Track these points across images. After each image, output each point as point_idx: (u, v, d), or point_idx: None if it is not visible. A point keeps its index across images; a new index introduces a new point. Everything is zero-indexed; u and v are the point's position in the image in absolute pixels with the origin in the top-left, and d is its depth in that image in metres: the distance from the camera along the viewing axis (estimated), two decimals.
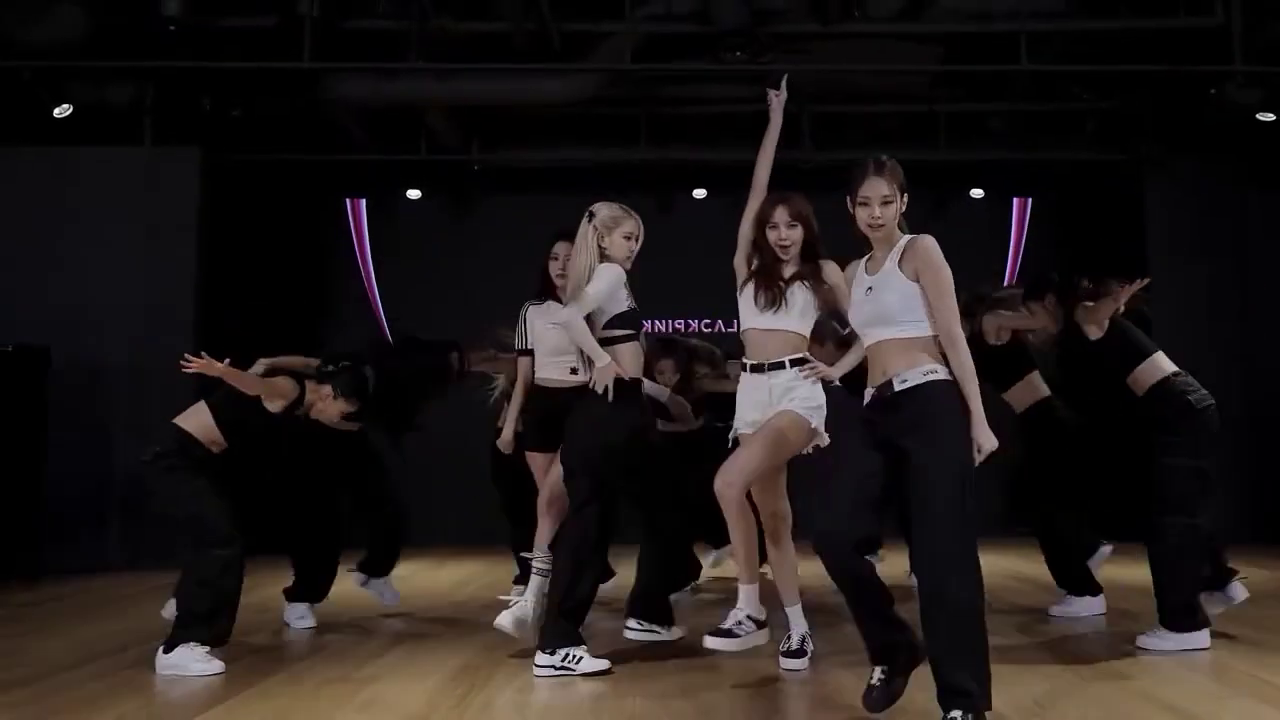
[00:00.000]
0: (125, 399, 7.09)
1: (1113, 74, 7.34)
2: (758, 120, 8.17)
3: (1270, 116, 7.07)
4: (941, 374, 2.89)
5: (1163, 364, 4.21)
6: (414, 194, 8.89)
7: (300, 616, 4.66)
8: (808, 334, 3.62)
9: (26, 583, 6.12)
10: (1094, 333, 4.26)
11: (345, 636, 4.45)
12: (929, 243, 2.94)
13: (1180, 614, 3.91)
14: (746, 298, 3.67)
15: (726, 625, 3.49)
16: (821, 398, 3.56)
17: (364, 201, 9.24)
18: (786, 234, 3.62)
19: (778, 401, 3.50)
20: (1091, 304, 4.22)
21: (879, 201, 2.95)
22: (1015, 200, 9.48)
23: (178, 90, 7.26)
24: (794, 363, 3.53)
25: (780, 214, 3.65)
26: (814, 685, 3.46)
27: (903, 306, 2.94)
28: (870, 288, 3.02)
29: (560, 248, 4.14)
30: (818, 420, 3.52)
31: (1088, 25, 6.98)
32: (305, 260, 8.96)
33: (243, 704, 3.23)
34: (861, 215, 2.99)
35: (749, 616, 3.50)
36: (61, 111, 6.71)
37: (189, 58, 6.70)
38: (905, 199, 3.01)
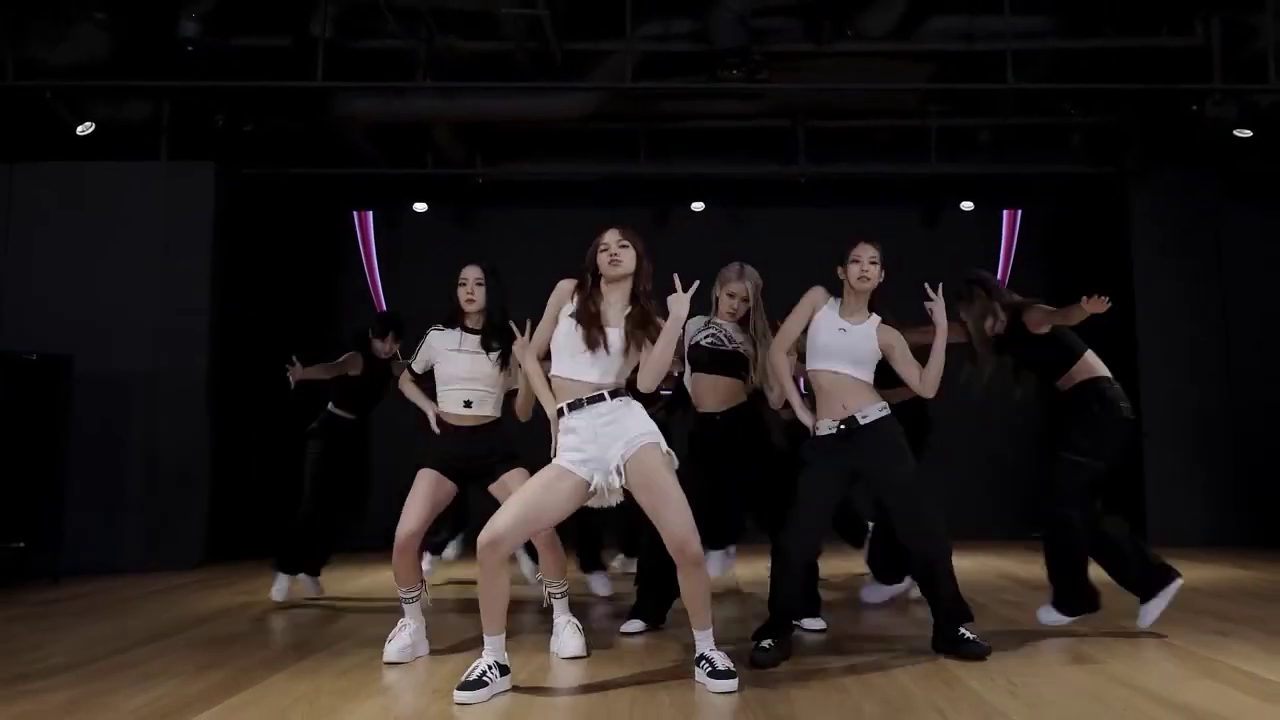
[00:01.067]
0: (142, 406, 7.32)
1: (1097, 91, 7.58)
2: (754, 135, 8.52)
3: (1248, 133, 7.31)
4: (886, 409, 3.88)
5: (1095, 364, 4.33)
6: (420, 207, 9.15)
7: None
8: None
9: (48, 583, 6.34)
10: (1039, 329, 4.32)
11: (365, 621, 4.65)
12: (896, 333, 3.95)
13: (1068, 597, 4.24)
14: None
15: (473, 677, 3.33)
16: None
17: (371, 214, 9.49)
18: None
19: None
20: (1052, 309, 4.34)
21: (868, 260, 3.90)
22: (1005, 212, 9.71)
23: (193, 108, 7.51)
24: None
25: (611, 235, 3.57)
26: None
27: (870, 357, 3.90)
28: (844, 329, 3.89)
29: (470, 272, 4.08)
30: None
31: (1072, 44, 7.21)
32: (315, 271, 9.20)
33: (268, 690, 3.45)
34: (851, 271, 3.90)
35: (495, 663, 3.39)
36: (85, 129, 6.95)
37: (205, 77, 6.94)
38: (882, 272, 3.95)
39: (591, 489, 3.37)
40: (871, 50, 7.20)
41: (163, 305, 7.45)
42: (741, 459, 4.37)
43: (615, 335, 3.43)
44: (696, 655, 3.44)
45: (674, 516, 3.32)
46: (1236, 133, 7.33)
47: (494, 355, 4.05)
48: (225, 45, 6.83)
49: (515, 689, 3.41)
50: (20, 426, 6.52)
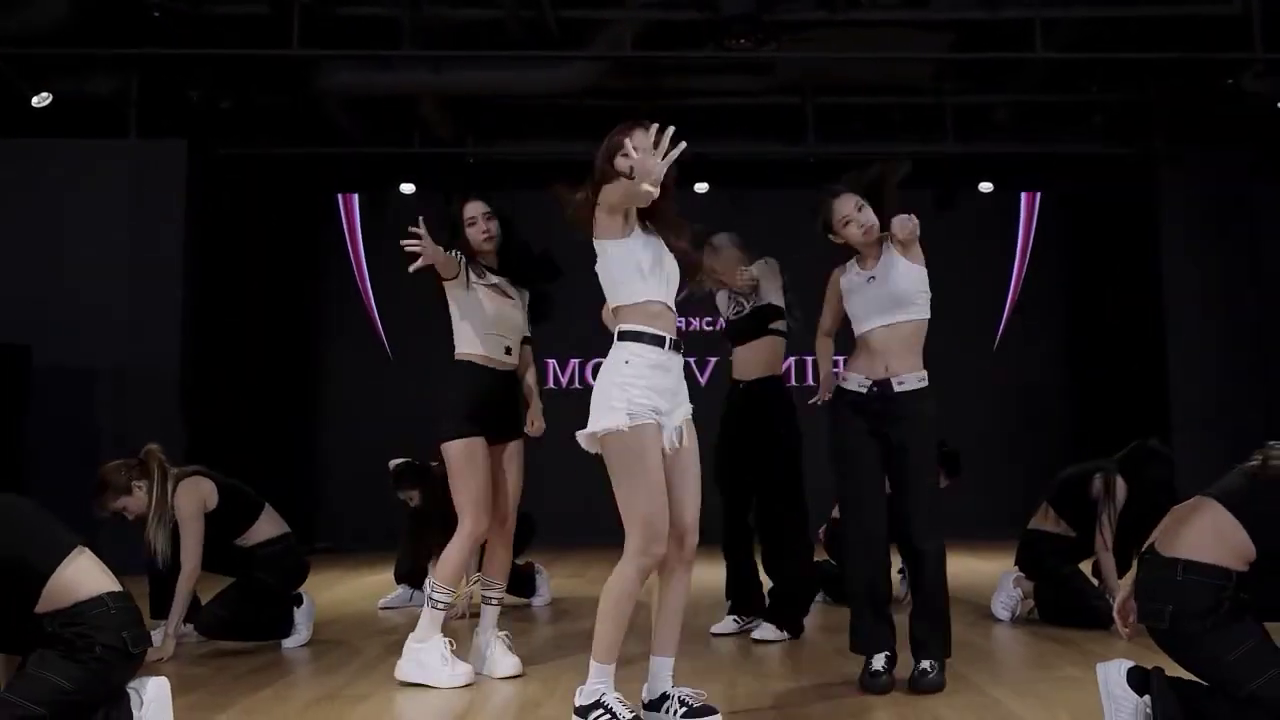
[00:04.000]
0: (109, 397, 6.87)
1: (1125, 63, 7.16)
2: (761, 112, 8.08)
3: None
4: (925, 381, 3.38)
5: None
6: (408, 188, 8.65)
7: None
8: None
9: None
10: None
11: (332, 649, 4.20)
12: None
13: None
14: None
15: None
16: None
17: (356, 198, 9.03)
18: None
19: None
20: None
21: (856, 211, 3.36)
22: (1024, 194, 9.29)
23: (164, 81, 7.04)
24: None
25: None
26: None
27: (913, 286, 3.37)
28: (872, 277, 3.39)
29: (475, 207, 3.74)
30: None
31: (1102, 12, 6.78)
32: (297, 256, 8.75)
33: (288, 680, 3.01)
34: (853, 233, 3.38)
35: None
36: (41, 100, 6.49)
37: (174, 45, 6.48)
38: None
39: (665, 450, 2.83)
40: (887, 20, 6.80)
41: (131, 293, 7.02)
42: (766, 433, 4.20)
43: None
44: (658, 695, 2.88)
45: (692, 502, 2.88)
46: (1279, 107, 6.90)
47: (523, 298, 3.73)
48: (197, 11, 6.38)
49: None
50: None
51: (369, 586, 6.00)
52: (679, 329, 2.93)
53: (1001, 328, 9.21)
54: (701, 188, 8.72)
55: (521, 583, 5.14)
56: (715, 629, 4.32)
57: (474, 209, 3.73)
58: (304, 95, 7.10)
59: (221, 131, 7.46)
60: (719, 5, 6.57)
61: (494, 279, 3.68)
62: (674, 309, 2.91)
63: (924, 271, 3.40)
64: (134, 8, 6.23)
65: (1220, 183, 8.08)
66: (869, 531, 3.35)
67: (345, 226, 9.01)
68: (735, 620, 4.33)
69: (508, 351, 3.65)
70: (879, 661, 3.30)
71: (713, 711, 2.86)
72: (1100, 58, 7.09)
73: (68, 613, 2.43)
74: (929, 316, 3.42)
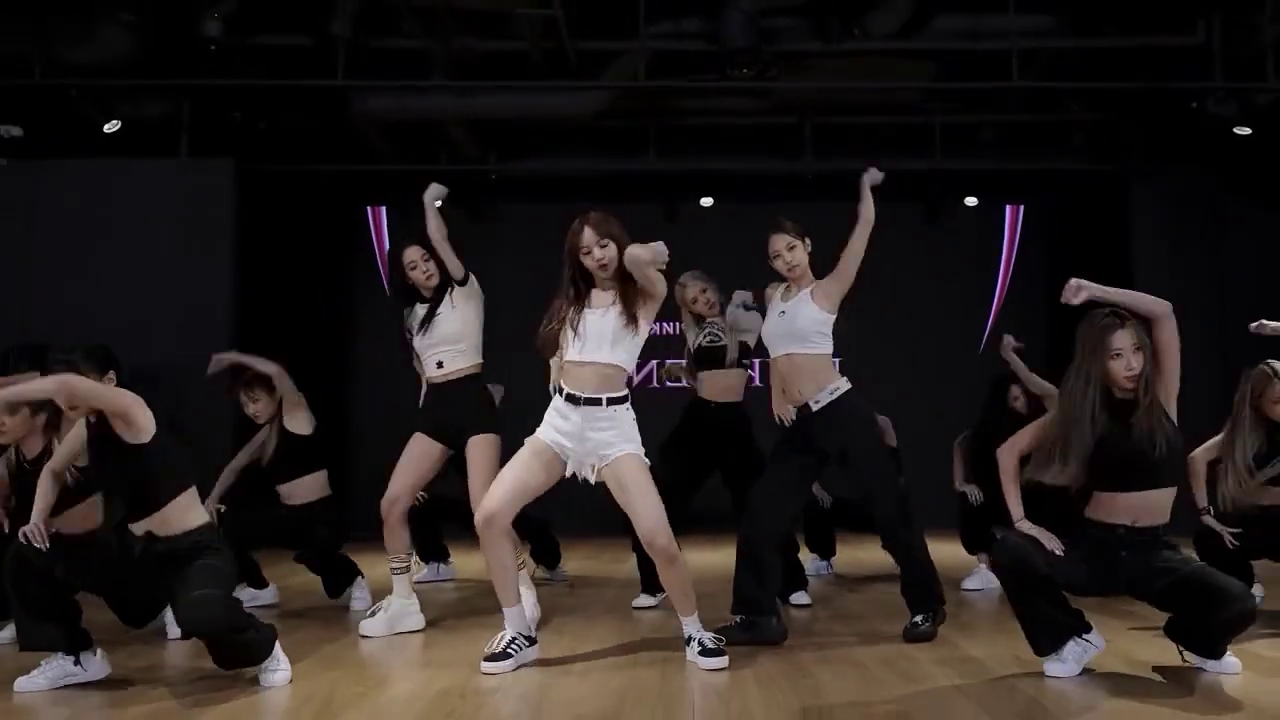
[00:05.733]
0: (166, 396, 7.47)
1: (1099, 89, 7.74)
2: (761, 132, 8.68)
3: (1247, 131, 7.47)
4: (838, 390, 3.92)
5: None
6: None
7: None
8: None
9: None
10: None
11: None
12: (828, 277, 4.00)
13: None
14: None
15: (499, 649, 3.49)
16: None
17: (384, 209, 9.66)
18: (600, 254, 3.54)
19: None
20: None
21: (786, 250, 3.96)
22: (1008, 207, 9.87)
23: (213, 105, 7.67)
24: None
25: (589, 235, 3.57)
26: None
27: (811, 325, 3.93)
28: (783, 311, 3.97)
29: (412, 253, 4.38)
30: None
31: (1075, 43, 7.36)
32: (331, 265, 9.38)
33: (310, 666, 3.61)
34: (779, 266, 3.99)
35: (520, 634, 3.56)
36: (111, 127, 7.12)
37: (226, 75, 7.10)
38: (808, 242, 4.00)
39: (567, 474, 3.54)
40: (878, 49, 7.36)
41: (185, 300, 7.61)
42: (723, 447, 4.72)
43: (598, 317, 3.51)
44: (685, 637, 3.59)
45: (646, 511, 3.48)
46: (1236, 130, 7.48)
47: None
48: (247, 44, 6.99)
49: (544, 662, 3.59)
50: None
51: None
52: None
53: (986, 334, 9.75)
54: (706, 202, 9.34)
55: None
56: (635, 603, 4.85)
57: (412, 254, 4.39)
58: (342, 118, 7.72)
59: (264, 150, 8.08)
60: (723, 37, 7.18)
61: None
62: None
63: (830, 317, 3.95)
64: (191, 41, 6.84)
65: (1188, 199, 8.65)
66: (769, 519, 3.97)
67: (374, 237, 9.64)
68: (649, 596, 4.86)
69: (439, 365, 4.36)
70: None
71: (722, 653, 3.50)
72: (1072, 86, 7.68)
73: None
74: (829, 351, 3.99)
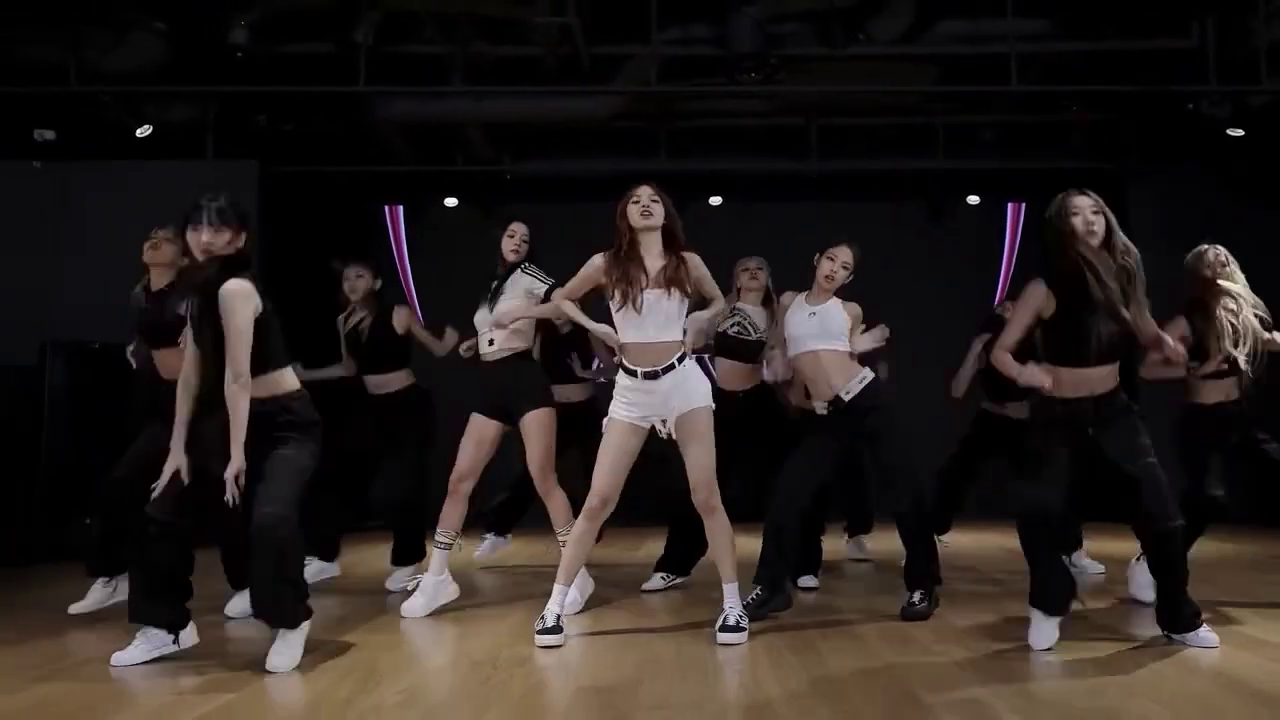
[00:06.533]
0: None
1: (1096, 92, 7.95)
2: (768, 133, 8.91)
3: (1240, 132, 7.68)
4: (867, 379, 4.29)
5: None
6: (451, 202, 9.57)
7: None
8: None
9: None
10: None
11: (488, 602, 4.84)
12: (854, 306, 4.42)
13: None
14: None
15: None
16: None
17: (402, 209, 9.93)
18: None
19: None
20: None
21: (841, 264, 4.36)
22: (1010, 205, 10.10)
23: (239, 109, 7.94)
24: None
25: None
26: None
27: (840, 328, 4.33)
28: (813, 313, 4.33)
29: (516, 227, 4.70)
30: None
31: (1072, 46, 7.57)
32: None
33: (350, 644, 3.89)
34: (824, 268, 4.37)
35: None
36: (143, 132, 7.39)
37: (252, 81, 7.36)
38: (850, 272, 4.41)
39: (663, 433, 3.83)
40: (881, 54, 7.57)
41: None
42: (757, 437, 4.85)
43: (655, 293, 3.81)
44: (724, 610, 3.85)
45: (705, 463, 3.79)
46: (1229, 132, 7.70)
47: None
48: (272, 51, 7.25)
49: (567, 638, 3.86)
50: (86, 411, 6.96)
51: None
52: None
53: None
54: (715, 201, 9.58)
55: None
56: (645, 586, 5.11)
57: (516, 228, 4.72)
58: (363, 121, 7.99)
59: (286, 153, 8.34)
60: (731, 43, 7.42)
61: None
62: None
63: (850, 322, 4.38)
64: (218, 48, 7.10)
65: (1183, 199, 8.82)
66: (797, 497, 4.30)
67: (392, 235, 9.91)
68: (662, 578, 5.13)
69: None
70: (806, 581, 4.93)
71: (740, 629, 3.77)
72: (1069, 90, 7.90)
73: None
74: (849, 349, 4.37)
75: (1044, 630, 3.57)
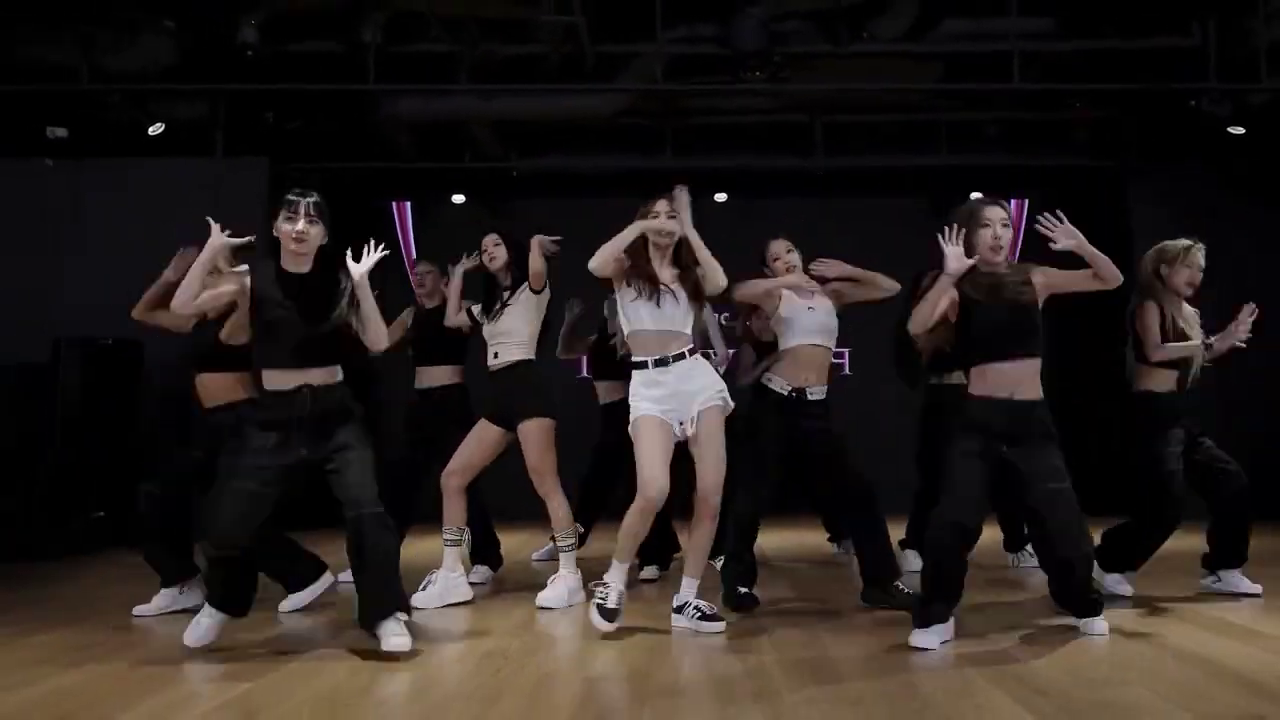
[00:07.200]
0: None
1: (1098, 90, 8.00)
2: (773, 130, 8.97)
3: (1240, 130, 7.74)
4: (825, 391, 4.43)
5: None
6: (458, 198, 9.64)
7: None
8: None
9: (134, 550, 6.88)
10: None
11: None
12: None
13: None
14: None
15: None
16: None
17: (409, 205, 10.00)
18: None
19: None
20: None
21: (785, 252, 4.54)
22: (1013, 202, 10.15)
23: (249, 108, 8.02)
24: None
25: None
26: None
27: (835, 329, 4.47)
28: (811, 307, 4.42)
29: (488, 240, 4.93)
30: None
31: (1075, 45, 7.62)
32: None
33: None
34: (778, 269, 4.55)
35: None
36: (155, 130, 7.47)
37: (261, 80, 7.43)
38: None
39: (678, 435, 3.90)
40: (885, 52, 7.62)
41: None
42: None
43: (673, 287, 3.95)
44: (680, 604, 3.94)
45: (717, 465, 3.88)
46: (1230, 130, 7.76)
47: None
48: (282, 50, 7.32)
49: (577, 628, 3.94)
50: (98, 406, 7.06)
51: None
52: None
53: None
54: (720, 197, 9.65)
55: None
56: (641, 575, 5.28)
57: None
58: (370, 119, 8.07)
59: (294, 149, 8.42)
60: (736, 42, 7.48)
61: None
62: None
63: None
64: (228, 47, 7.17)
65: (1184, 196, 8.87)
66: (759, 495, 4.40)
67: (399, 230, 9.99)
68: (656, 569, 5.33)
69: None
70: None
71: (720, 619, 3.87)
72: (1071, 88, 7.95)
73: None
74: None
75: (926, 638, 3.55)
